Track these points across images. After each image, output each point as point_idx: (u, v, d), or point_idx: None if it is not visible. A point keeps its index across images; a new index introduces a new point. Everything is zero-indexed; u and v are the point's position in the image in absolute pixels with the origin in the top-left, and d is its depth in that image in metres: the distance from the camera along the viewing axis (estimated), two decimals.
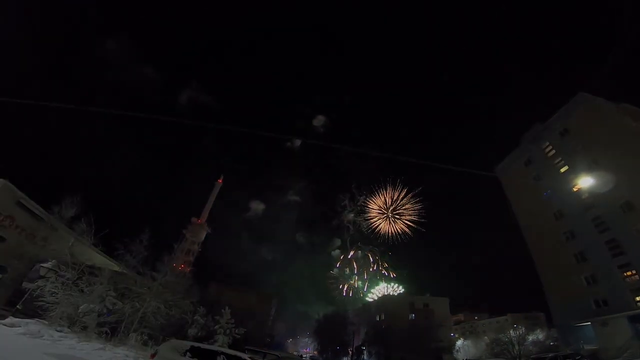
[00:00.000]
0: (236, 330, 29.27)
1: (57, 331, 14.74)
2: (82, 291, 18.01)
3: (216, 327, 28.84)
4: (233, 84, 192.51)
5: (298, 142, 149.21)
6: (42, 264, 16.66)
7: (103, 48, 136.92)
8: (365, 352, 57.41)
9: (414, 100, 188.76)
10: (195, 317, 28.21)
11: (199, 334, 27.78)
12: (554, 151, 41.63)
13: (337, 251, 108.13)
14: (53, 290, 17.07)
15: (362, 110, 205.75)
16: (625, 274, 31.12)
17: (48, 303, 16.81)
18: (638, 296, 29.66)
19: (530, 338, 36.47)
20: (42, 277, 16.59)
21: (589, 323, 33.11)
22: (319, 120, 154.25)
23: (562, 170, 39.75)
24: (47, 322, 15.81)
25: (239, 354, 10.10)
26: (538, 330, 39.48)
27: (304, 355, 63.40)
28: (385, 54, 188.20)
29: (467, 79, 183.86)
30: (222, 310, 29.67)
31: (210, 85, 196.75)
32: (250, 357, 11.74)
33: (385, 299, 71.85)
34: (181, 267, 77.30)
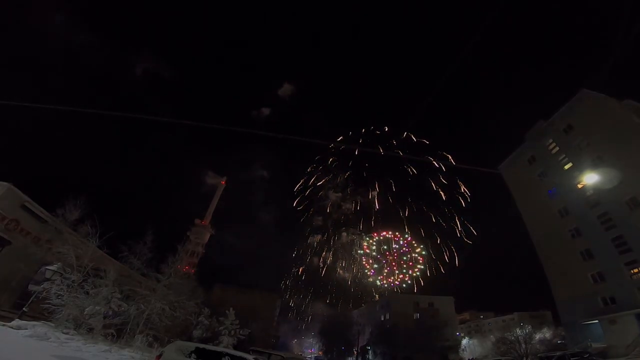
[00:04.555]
0: (241, 331, 29.37)
1: (64, 333, 14.82)
2: (88, 293, 18.12)
3: (221, 328, 28.96)
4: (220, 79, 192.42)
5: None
6: (47, 267, 16.72)
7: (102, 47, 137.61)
8: (370, 351, 57.29)
9: (414, 99, 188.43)
10: (199, 319, 28.30)
11: (204, 335, 27.87)
12: (557, 148, 41.19)
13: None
14: (59, 292, 17.16)
15: (360, 107, 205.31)
16: (632, 271, 30.71)
17: (54, 305, 16.90)
18: None
19: (537, 336, 36.15)
20: (47, 279, 16.67)
21: (597, 321, 32.71)
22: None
23: (567, 167, 39.30)
24: (53, 325, 15.91)
25: (243, 355, 10.06)
26: (545, 329, 39.15)
27: (309, 356, 63.30)
28: (387, 47, 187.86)
29: (470, 77, 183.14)
30: (227, 312, 29.79)
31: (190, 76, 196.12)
32: (255, 358, 11.71)
33: (390, 298, 71.71)
34: (185, 268, 77.53)
